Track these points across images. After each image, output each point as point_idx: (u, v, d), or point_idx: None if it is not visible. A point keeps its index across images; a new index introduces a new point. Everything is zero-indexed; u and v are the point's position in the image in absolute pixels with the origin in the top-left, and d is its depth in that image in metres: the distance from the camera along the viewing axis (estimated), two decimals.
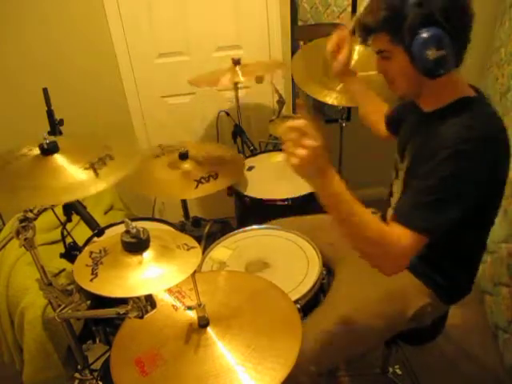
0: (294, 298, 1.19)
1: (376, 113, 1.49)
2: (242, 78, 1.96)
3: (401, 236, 0.99)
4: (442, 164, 0.99)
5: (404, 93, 1.15)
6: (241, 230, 1.56)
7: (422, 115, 1.18)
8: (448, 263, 1.22)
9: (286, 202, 1.74)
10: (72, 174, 0.97)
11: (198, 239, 1.01)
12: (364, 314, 1.23)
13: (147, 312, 0.91)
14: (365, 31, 1.08)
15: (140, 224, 0.90)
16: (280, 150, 2.18)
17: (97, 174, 0.97)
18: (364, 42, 1.11)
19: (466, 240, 1.12)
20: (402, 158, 1.25)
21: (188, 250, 0.93)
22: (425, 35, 0.96)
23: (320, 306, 1.29)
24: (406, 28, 0.98)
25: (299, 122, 0.98)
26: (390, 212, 1.34)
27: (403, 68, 1.05)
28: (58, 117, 1.58)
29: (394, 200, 1.33)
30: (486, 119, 1.05)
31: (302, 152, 0.94)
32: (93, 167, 0.98)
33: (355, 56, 2.08)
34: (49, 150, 1.00)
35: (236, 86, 2.15)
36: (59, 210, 1.38)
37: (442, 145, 1.01)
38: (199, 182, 1.63)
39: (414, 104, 1.21)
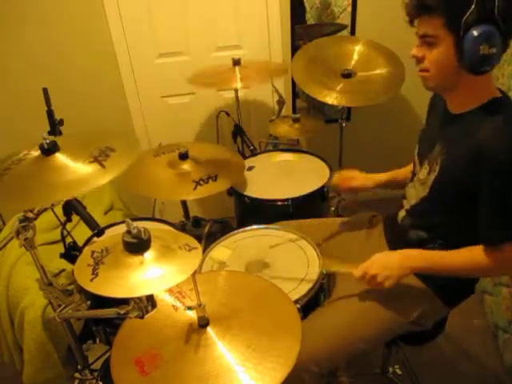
0: (293, 298, 1.19)
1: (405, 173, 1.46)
2: (239, 84, 1.97)
3: (507, 250, 1.05)
4: (501, 174, 1.00)
5: (436, 84, 1.11)
6: (241, 230, 1.56)
7: (450, 117, 1.16)
8: None
9: (286, 202, 1.74)
10: (77, 169, 0.97)
11: (198, 239, 1.00)
12: (365, 316, 1.23)
13: (148, 312, 0.91)
14: (421, 8, 1.02)
15: (140, 224, 0.90)
16: (280, 149, 2.18)
17: (103, 166, 0.97)
18: (411, 20, 1.07)
19: (468, 241, 1.12)
20: (422, 163, 1.24)
21: (189, 250, 0.92)
22: (481, 30, 0.96)
23: (321, 307, 1.29)
24: (464, 18, 0.97)
25: (358, 273, 1.18)
26: (401, 213, 1.33)
27: (445, 58, 1.04)
28: (58, 117, 1.58)
29: (407, 203, 1.32)
30: None
31: (382, 286, 1.15)
32: (97, 160, 0.98)
33: (355, 56, 2.09)
34: (50, 150, 0.99)
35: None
36: (59, 210, 1.38)
37: (495, 153, 1.00)
38: (198, 183, 1.63)
39: (437, 106, 1.21)
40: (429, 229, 1.23)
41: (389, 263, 1.16)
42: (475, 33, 0.96)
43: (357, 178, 1.50)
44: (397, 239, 1.36)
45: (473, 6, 0.95)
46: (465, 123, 1.11)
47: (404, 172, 1.46)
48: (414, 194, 1.27)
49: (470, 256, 1.10)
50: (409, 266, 1.16)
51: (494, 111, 1.05)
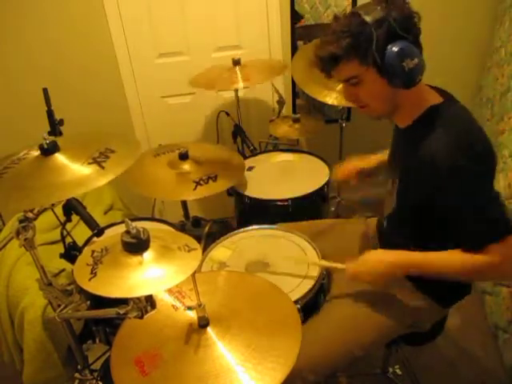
0: (294, 298, 1.19)
1: None
2: (239, 85, 1.97)
3: (493, 253, 1.02)
4: (449, 182, 1.00)
5: (380, 113, 1.14)
6: (241, 230, 1.56)
7: (399, 132, 1.19)
8: None
9: (286, 202, 1.74)
10: (76, 170, 0.97)
11: (198, 239, 1.01)
12: (361, 322, 1.23)
13: (147, 312, 0.91)
14: (332, 61, 1.06)
15: (140, 224, 0.90)
16: (280, 149, 2.18)
17: (102, 167, 0.97)
18: (328, 74, 1.11)
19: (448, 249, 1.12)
20: (388, 175, 1.28)
21: (189, 251, 0.92)
22: (395, 49, 0.98)
23: (317, 314, 1.28)
24: (373, 49, 0.99)
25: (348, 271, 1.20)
26: (384, 220, 1.34)
27: (377, 88, 1.06)
28: (58, 117, 1.58)
29: (386, 211, 1.33)
30: (461, 125, 1.05)
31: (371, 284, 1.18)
32: (96, 161, 0.99)
33: None
34: (49, 150, 0.99)
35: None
36: (59, 210, 1.38)
37: (433, 162, 1.01)
38: (198, 183, 1.63)
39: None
40: (406, 237, 1.23)
41: (374, 262, 1.16)
42: (391, 55, 0.99)
43: (356, 166, 1.50)
44: (384, 243, 1.38)
45: (374, 35, 0.98)
46: (410, 136, 1.12)
47: None
48: (389, 204, 1.29)
49: (460, 257, 1.07)
50: (391, 262, 1.14)
51: (430, 122, 1.05)
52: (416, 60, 1.00)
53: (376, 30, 0.98)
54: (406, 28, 0.99)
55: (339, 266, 1.25)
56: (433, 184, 1.03)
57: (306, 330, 1.20)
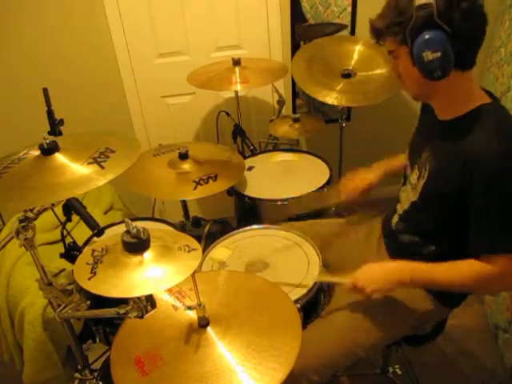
0: (293, 298, 1.19)
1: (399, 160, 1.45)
2: (239, 86, 1.97)
3: (500, 264, 1.03)
4: (493, 183, 1.00)
5: (414, 93, 1.15)
6: (241, 229, 1.56)
7: (437, 123, 1.16)
8: None
9: (286, 202, 1.74)
10: (76, 170, 0.97)
11: (198, 239, 1.00)
12: (365, 323, 1.23)
13: (147, 312, 0.91)
14: (376, 35, 1.11)
15: (140, 224, 0.90)
16: (280, 149, 2.18)
17: (102, 167, 0.97)
18: (378, 43, 1.13)
19: (461, 248, 1.12)
20: (413, 167, 1.25)
21: (189, 251, 0.92)
22: (422, 37, 0.98)
23: (320, 315, 1.28)
24: (408, 30, 1.00)
25: (348, 286, 1.18)
26: (395, 218, 1.33)
27: (408, 68, 1.07)
28: (58, 117, 1.58)
29: (400, 207, 1.31)
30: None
31: (372, 296, 1.15)
32: (96, 161, 0.99)
33: (355, 56, 2.09)
34: (49, 150, 0.99)
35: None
36: (59, 210, 1.38)
37: (483, 161, 1.00)
38: (198, 183, 1.63)
39: (427, 112, 1.21)
40: (421, 234, 1.23)
41: (375, 276, 1.16)
42: (418, 41, 1.00)
43: (364, 180, 1.48)
44: (391, 243, 1.37)
45: (414, 18, 0.99)
46: (450, 131, 1.11)
47: (397, 159, 1.45)
48: (406, 198, 1.27)
49: (461, 270, 1.08)
50: (396, 279, 1.15)
51: (481, 120, 1.04)
52: (438, 54, 0.98)
53: (417, 13, 0.98)
54: (449, 18, 0.96)
55: (340, 280, 1.23)
56: (474, 180, 1.02)
57: (311, 331, 1.21)
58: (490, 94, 1.11)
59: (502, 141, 1.00)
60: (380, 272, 1.17)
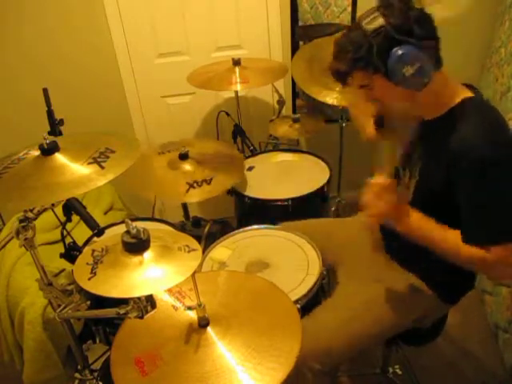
0: (293, 298, 1.19)
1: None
2: (239, 87, 1.97)
3: (492, 252, 1.02)
4: (480, 173, 1.00)
5: (405, 109, 1.15)
6: (241, 229, 1.56)
7: (423, 124, 1.18)
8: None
9: (286, 202, 1.74)
10: (76, 170, 0.97)
11: (198, 239, 1.01)
12: (366, 314, 1.24)
13: (147, 312, 0.91)
14: (342, 77, 1.11)
15: (140, 224, 0.90)
16: (280, 149, 2.18)
17: (102, 167, 0.97)
18: (345, 85, 1.13)
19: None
20: (404, 168, 1.25)
21: (189, 251, 0.92)
22: (394, 58, 0.99)
23: (322, 305, 1.29)
24: (375, 58, 1.00)
25: (384, 181, 1.10)
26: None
27: (390, 91, 1.07)
28: (57, 117, 1.58)
29: None
30: (495, 118, 1.06)
31: (381, 205, 1.08)
32: (96, 161, 0.99)
33: None
34: (49, 150, 1.00)
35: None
36: (59, 210, 1.38)
37: (468, 152, 1.00)
38: (198, 184, 1.62)
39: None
40: None
41: (395, 216, 1.11)
42: (391, 62, 1.00)
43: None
44: (390, 242, 1.37)
45: (374, 44, 0.99)
46: (438, 129, 1.12)
47: None
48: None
49: (459, 243, 1.06)
50: (402, 227, 1.12)
51: (465, 114, 1.05)
52: (417, 64, 0.99)
53: (375, 39, 0.99)
54: (407, 31, 0.98)
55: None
56: (462, 172, 1.02)
57: (312, 319, 1.22)
58: (471, 87, 1.12)
59: (486, 131, 1.01)
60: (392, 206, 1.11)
